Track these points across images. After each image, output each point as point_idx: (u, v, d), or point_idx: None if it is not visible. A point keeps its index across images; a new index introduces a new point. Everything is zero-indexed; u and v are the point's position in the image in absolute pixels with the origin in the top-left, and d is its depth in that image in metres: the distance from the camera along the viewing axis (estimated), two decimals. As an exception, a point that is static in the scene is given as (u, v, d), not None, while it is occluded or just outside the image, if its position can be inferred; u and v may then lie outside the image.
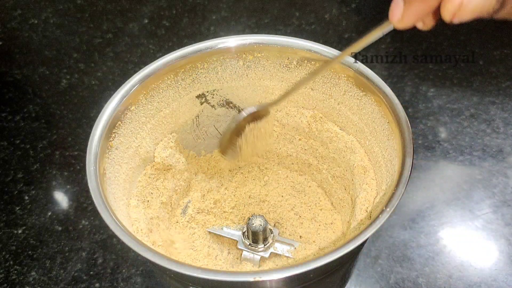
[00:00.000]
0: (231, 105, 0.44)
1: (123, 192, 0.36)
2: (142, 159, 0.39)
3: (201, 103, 0.43)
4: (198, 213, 0.44)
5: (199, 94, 0.42)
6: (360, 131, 0.40)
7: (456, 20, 0.25)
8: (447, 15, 0.25)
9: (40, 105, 0.61)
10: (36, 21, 0.74)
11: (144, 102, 0.38)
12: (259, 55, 0.40)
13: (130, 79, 0.37)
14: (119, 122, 0.36)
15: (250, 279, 0.26)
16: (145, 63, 0.38)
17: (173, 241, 0.41)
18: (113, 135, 0.35)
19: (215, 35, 0.70)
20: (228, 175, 0.47)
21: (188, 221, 0.44)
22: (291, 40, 0.39)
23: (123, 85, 0.37)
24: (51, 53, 0.68)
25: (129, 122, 0.37)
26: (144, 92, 0.38)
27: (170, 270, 0.27)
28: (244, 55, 0.40)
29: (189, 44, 0.39)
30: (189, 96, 0.41)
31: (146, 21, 0.73)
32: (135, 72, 0.38)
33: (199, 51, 0.39)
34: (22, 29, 0.73)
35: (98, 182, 0.31)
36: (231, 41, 0.39)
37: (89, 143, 0.33)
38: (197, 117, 0.43)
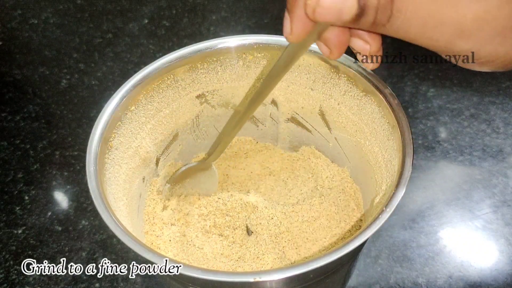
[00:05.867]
0: (231, 105, 0.44)
1: (123, 192, 0.36)
2: (142, 159, 0.39)
3: (201, 103, 0.43)
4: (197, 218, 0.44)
5: (199, 94, 0.42)
6: (360, 131, 0.40)
7: (318, 17, 0.23)
8: (308, 10, 0.23)
9: (40, 105, 0.61)
10: (36, 21, 0.74)
11: (144, 102, 0.38)
12: (259, 55, 0.40)
13: (130, 79, 0.37)
14: (119, 122, 0.36)
15: (250, 279, 0.26)
16: (145, 63, 0.38)
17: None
18: (113, 135, 0.35)
19: (215, 35, 0.70)
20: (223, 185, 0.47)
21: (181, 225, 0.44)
22: (291, 40, 0.39)
23: (123, 85, 0.37)
24: (51, 53, 0.68)
25: (129, 122, 0.37)
26: (144, 92, 0.38)
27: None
28: (244, 55, 0.40)
29: (189, 44, 0.39)
30: (189, 96, 0.41)
31: (146, 21, 0.73)
32: (135, 72, 0.38)
33: (199, 51, 0.39)
34: (22, 29, 0.73)
35: (98, 182, 0.31)
36: (231, 41, 0.39)
37: (89, 143, 0.33)
38: (197, 117, 0.43)
